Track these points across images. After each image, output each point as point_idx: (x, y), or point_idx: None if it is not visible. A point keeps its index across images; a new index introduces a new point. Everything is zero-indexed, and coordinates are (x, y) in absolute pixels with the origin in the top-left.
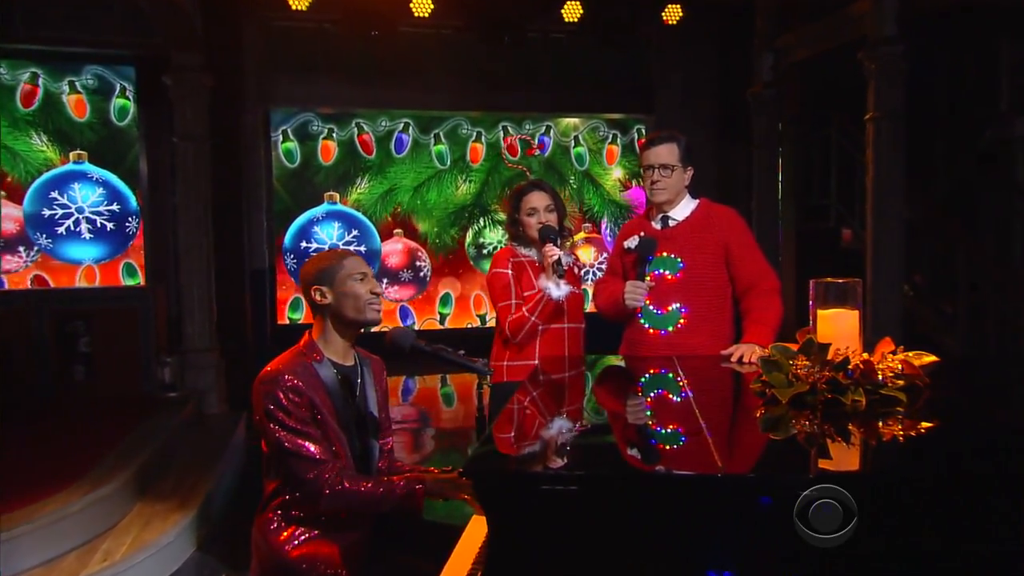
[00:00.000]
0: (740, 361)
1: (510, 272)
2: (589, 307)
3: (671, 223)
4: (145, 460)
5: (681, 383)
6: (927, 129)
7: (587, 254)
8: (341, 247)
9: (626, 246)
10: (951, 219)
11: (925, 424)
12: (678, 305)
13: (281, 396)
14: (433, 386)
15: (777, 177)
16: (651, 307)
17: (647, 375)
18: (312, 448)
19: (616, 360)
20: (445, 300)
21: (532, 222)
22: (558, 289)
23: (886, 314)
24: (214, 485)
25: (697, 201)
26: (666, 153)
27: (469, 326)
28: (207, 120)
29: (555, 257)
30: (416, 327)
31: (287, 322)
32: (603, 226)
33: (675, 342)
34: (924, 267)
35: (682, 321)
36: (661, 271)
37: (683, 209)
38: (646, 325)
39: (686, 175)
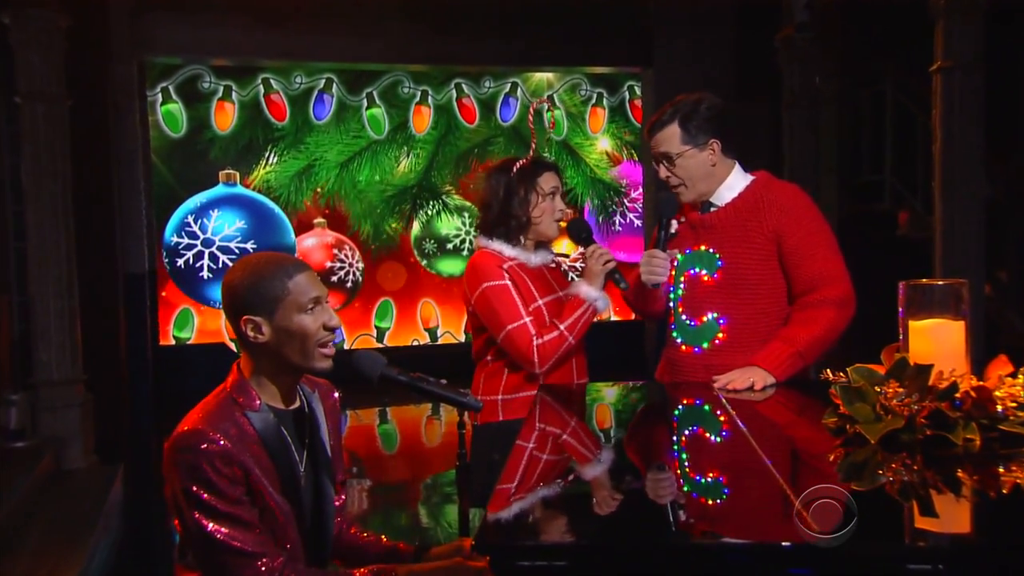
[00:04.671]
0: (742, 390)
1: (509, 282)
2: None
3: (712, 209)
4: None
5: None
6: (1011, 82)
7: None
8: (237, 245)
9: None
10: None
11: None
12: (715, 315)
13: (207, 468)
14: (369, 423)
15: (815, 146)
16: (684, 317)
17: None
18: (247, 538)
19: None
20: (383, 311)
21: (552, 208)
22: (604, 299)
23: None
24: (85, 564)
25: (752, 177)
26: (664, 140)
27: (415, 343)
28: (62, 73)
29: (613, 264)
30: (346, 346)
31: (172, 342)
32: (587, 211)
33: (713, 363)
34: (1009, 259)
35: (720, 336)
36: (696, 270)
37: (729, 191)
38: (679, 340)
39: (705, 154)
